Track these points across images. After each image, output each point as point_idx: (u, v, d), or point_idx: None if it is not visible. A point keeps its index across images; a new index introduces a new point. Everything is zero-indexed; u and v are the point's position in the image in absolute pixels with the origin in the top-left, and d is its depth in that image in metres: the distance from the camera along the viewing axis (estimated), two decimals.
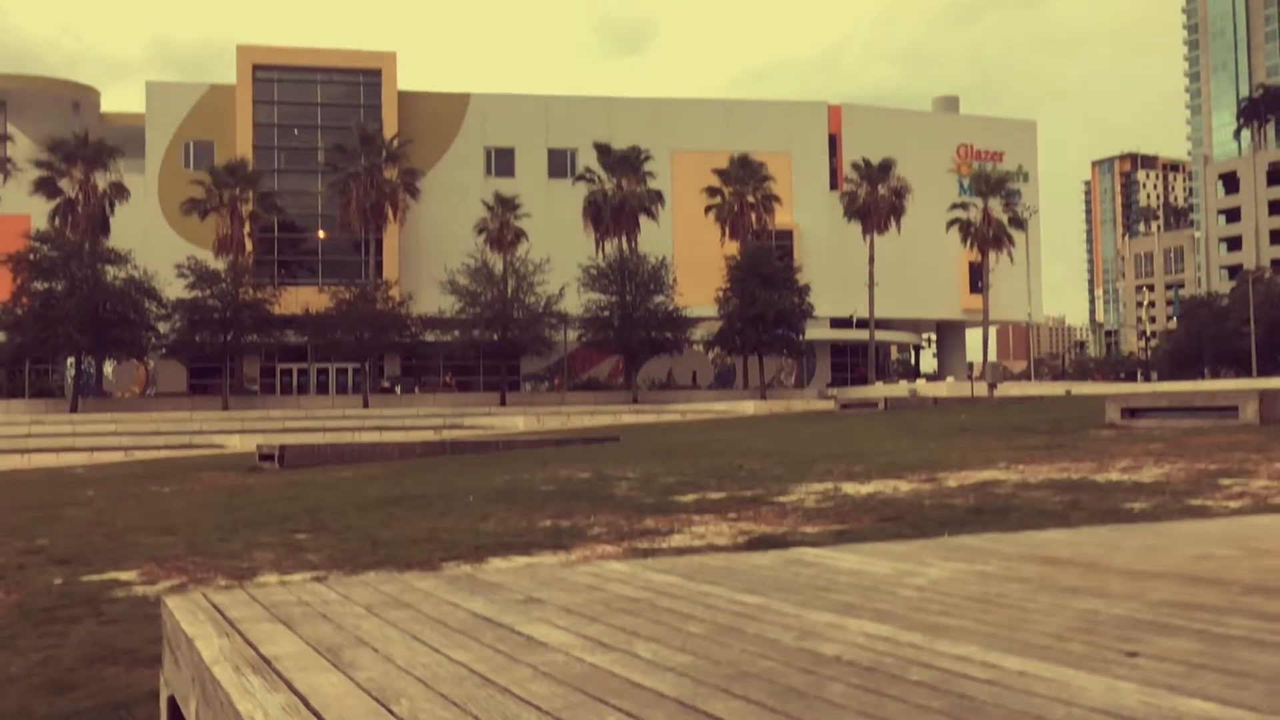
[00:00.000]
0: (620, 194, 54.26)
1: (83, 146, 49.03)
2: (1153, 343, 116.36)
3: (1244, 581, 2.94)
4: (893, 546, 4.11)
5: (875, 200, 57.40)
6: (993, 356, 64.40)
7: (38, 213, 50.18)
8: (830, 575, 3.27)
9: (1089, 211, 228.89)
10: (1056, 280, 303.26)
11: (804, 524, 7.31)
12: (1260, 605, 2.59)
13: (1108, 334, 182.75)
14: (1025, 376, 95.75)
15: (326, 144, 58.59)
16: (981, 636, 2.31)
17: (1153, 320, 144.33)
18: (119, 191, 50.54)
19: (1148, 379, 75.91)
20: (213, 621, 2.69)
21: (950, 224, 59.07)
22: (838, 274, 61.59)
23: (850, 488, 9.81)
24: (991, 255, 59.12)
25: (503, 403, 50.04)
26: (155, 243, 53.66)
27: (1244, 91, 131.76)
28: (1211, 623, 2.39)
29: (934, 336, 75.99)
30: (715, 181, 56.26)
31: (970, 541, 4.15)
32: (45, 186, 49.23)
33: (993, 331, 66.34)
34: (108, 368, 54.00)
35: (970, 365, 69.74)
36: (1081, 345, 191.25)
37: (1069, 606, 2.65)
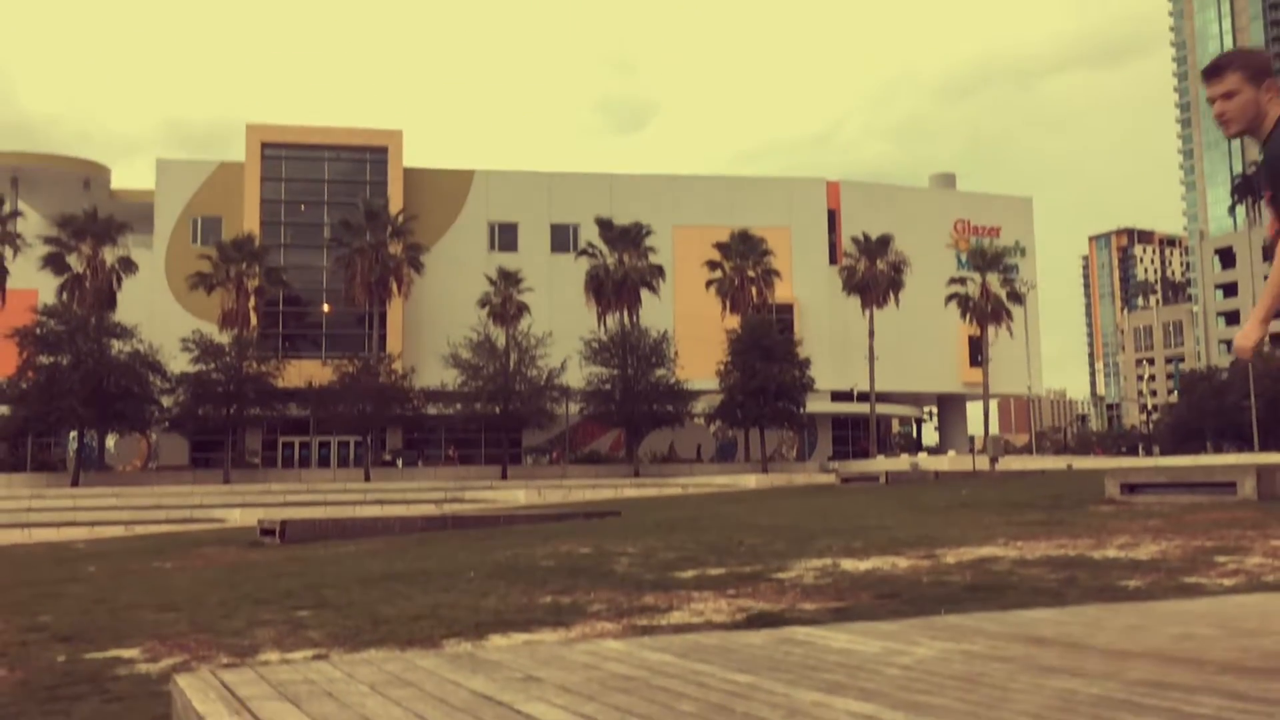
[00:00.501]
0: (622, 268, 54.84)
1: (92, 223, 49.75)
2: (1154, 416, 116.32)
3: (1220, 661, 3.04)
4: (882, 625, 4.19)
5: (874, 275, 57.98)
6: (994, 430, 64.45)
7: (46, 287, 50.73)
8: (820, 654, 3.36)
9: (1087, 285, 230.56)
10: (1057, 353, 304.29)
11: (802, 601, 7.36)
12: (1231, 684, 2.69)
13: (1109, 407, 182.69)
14: (1027, 450, 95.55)
15: (333, 219, 59.38)
16: (961, 715, 2.41)
17: (1153, 393, 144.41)
18: (127, 266, 51.15)
19: (1150, 453, 75.77)
20: (223, 700, 2.78)
21: (949, 298, 59.54)
22: (838, 347, 61.92)
23: (849, 564, 9.86)
24: (991, 329, 59.51)
25: (504, 476, 49.97)
26: (162, 316, 54.13)
27: (1237, 168, 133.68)
28: (1182, 701, 2.49)
29: (935, 410, 76.05)
30: (716, 256, 56.89)
31: (959, 621, 4.24)
32: (54, 262, 49.83)
33: (994, 404, 66.42)
34: (110, 441, 54.04)
35: (971, 439, 69.69)
36: (1083, 418, 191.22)
37: (1048, 686, 2.75)
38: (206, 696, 2.84)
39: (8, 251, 49.97)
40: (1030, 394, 73.97)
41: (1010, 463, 47.04)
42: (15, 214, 53.45)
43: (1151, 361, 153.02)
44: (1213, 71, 3.56)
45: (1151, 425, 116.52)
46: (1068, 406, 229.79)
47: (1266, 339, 3.74)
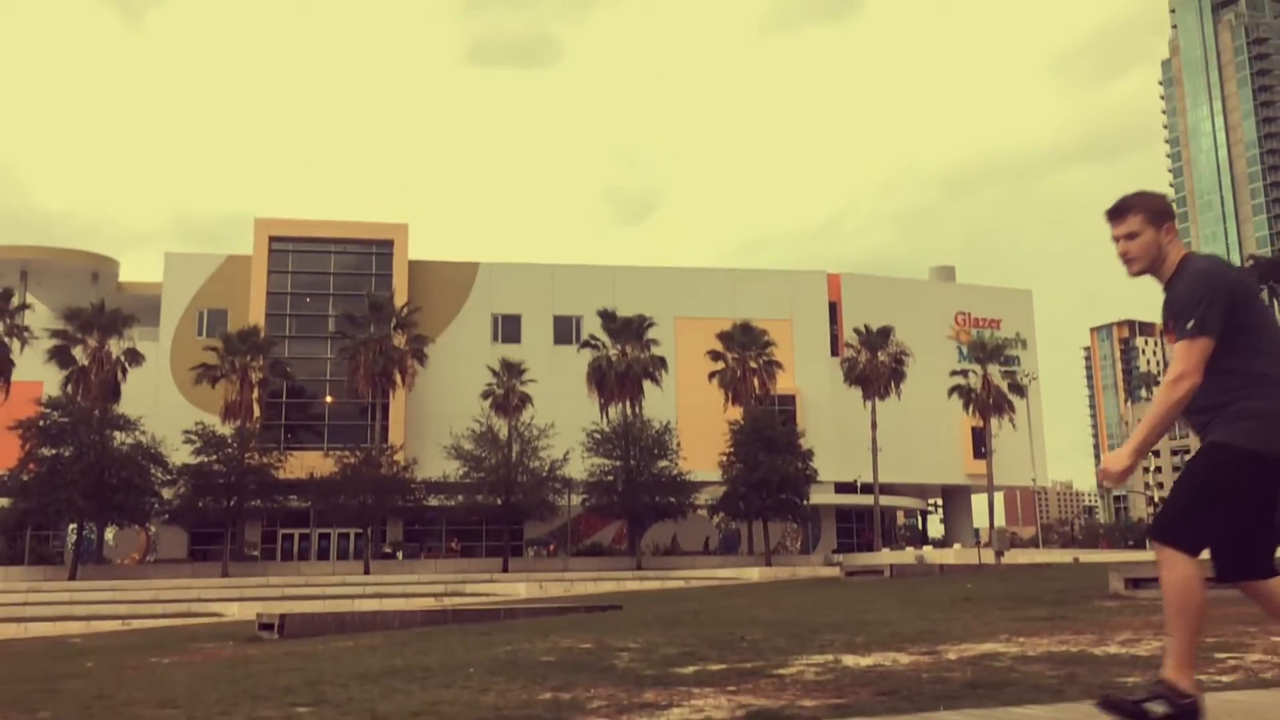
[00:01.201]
0: (624, 360, 55.16)
1: (99, 315, 50.29)
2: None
3: None
4: None
5: (875, 366, 58.28)
6: (1001, 522, 64.07)
7: (51, 379, 51.03)
8: None
9: (1090, 377, 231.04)
10: (1062, 445, 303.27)
11: (802, 698, 7.34)
12: None
13: (1116, 499, 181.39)
14: (1034, 543, 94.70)
15: (338, 311, 60.01)
16: None
17: (1159, 485, 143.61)
18: (133, 358, 51.49)
19: None
20: None
21: (951, 390, 59.73)
22: (841, 439, 61.87)
23: (850, 659, 9.80)
24: (993, 421, 59.56)
25: (505, 569, 49.53)
26: (166, 408, 54.31)
27: (1236, 261, 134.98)
28: None
29: (940, 502, 75.64)
30: (718, 347, 57.25)
31: (954, 718, 4.28)
32: (59, 355, 50.19)
33: (999, 496, 66.17)
34: (109, 534, 53.76)
35: (977, 531, 69.17)
36: (1090, 510, 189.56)
37: None
38: None
39: (15, 344, 50.36)
40: (1035, 486, 73.64)
41: (1016, 556, 46.66)
42: (24, 307, 54.07)
43: (1157, 454, 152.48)
44: (1116, 213, 3.78)
45: None
46: (1074, 498, 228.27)
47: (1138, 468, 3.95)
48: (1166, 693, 3.49)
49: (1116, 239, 3.82)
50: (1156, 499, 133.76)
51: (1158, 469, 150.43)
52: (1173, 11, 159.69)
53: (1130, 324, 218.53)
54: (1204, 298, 3.58)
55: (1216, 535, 3.56)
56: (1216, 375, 3.58)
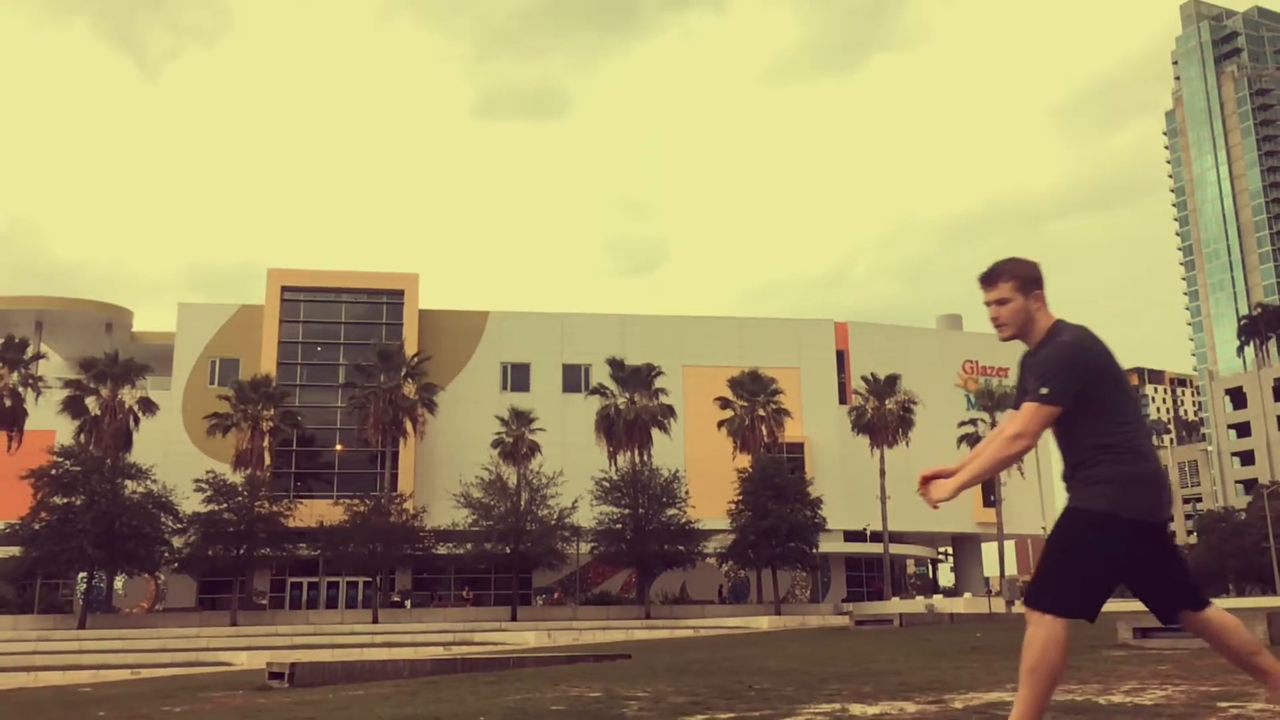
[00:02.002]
0: (633, 408, 55.33)
1: (112, 365, 50.75)
2: None
3: None
4: None
5: (883, 414, 58.34)
6: (1012, 571, 63.63)
7: (64, 428, 51.37)
8: None
9: None
10: None
11: None
12: None
13: None
14: None
15: (349, 360, 60.44)
16: None
17: (1172, 534, 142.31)
18: (147, 407, 51.86)
19: None
20: None
21: (960, 440, 59.66)
22: (849, 487, 61.77)
23: (857, 709, 9.91)
24: (1004, 471, 59.39)
25: (514, 617, 49.35)
26: (177, 456, 54.56)
27: (1243, 309, 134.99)
28: None
29: (950, 550, 75.19)
30: (727, 395, 57.39)
31: None
32: (72, 406, 50.55)
33: (1011, 545, 65.83)
34: (118, 583, 53.75)
35: (987, 580, 68.72)
36: None
37: None
38: None
39: (29, 394, 50.78)
40: (1045, 534, 73.14)
41: (1016, 604, 46.30)
42: (38, 357, 54.61)
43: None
44: (987, 279, 3.90)
45: None
46: None
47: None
48: None
49: (988, 304, 3.94)
50: None
51: (1170, 518, 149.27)
52: (1175, 63, 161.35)
53: (1139, 372, 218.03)
54: (1063, 370, 3.74)
55: (1086, 594, 3.67)
56: (1073, 441, 3.78)
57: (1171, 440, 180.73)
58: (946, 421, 60.73)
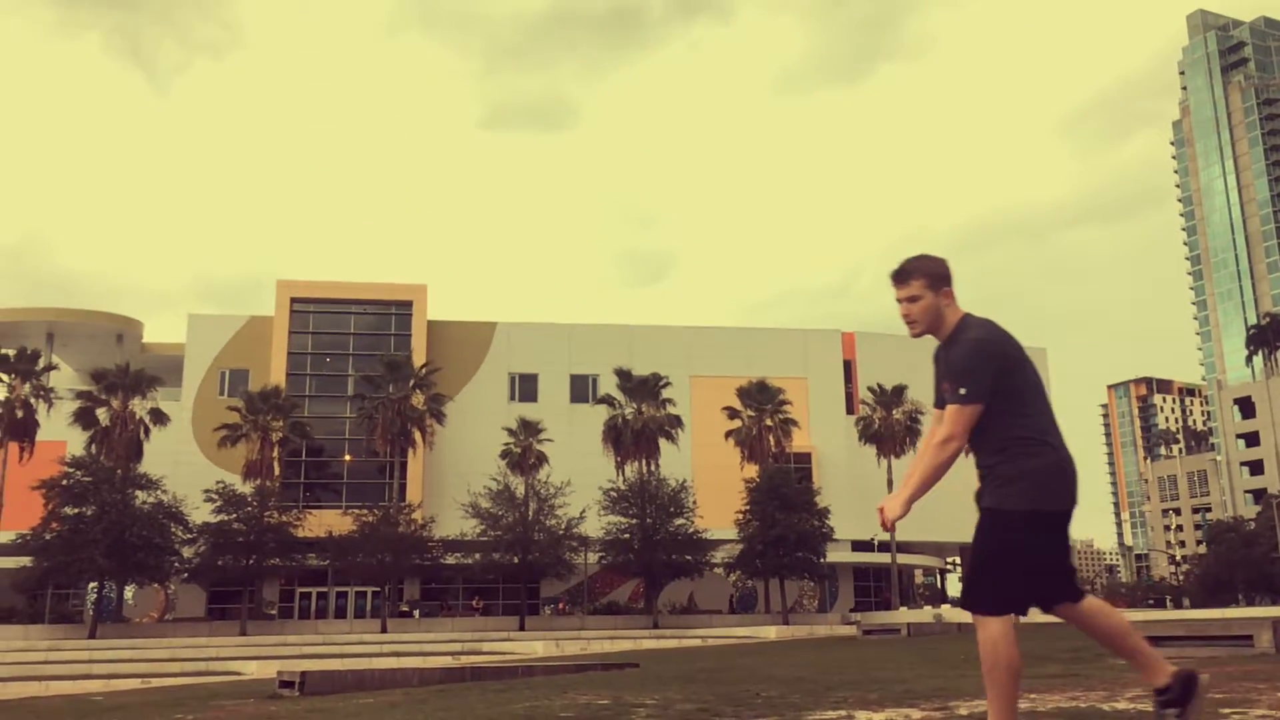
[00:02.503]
0: (640, 418, 55.44)
1: (124, 376, 51.02)
2: (1183, 568, 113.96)
3: None
4: None
5: (890, 425, 58.38)
6: None
7: (75, 439, 51.65)
8: None
9: (1108, 435, 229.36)
10: (1083, 503, 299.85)
11: None
12: None
13: (1138, 558, 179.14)
14: None
15: (358, 371, 60.70)
16: None
17: (1182, 544, 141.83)
18: (158, 418, 52.06)
19: (1179, 605, 74.13)
20: None
21: (968, 450, 59.64)
22: (857, 496, 61.74)
23: (863, 715, 10.01)
24: None
25: (522, 627, 49.42)
26: (187, 466, 54.80)
27: (1251, 319, 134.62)
28: None
29: (958, 560, 75.01)
30: (734, 404, 57.46)
31: None
32: (83, 416, 50.82)
33: None
34: (128, 592, 53.96)
35: None
36: (1111, 569, 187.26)
37: None
38: None
39: (41, 405, 51.07)
40: None
41: (1036, 614, 46.23)
42: (50, 368, 54.92)
43: (1178, 511, 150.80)
44: (899, 277, 3.96)
45: (1181, 577, 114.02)
46: (1095, 557, 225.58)
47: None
48: None
49: (900, 300, 4.01)
50: (1178, 557, 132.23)
51: (1179, 527, 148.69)
52: (1182, 73, 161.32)
53: (1148, 381, 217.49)
54: (977, 367, 3.81)
55: (1019, 590, 3.75)
56: (985, 435, 3.85)
57: (1180, 450, 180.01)
58: None
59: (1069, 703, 10.22)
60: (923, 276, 3.97)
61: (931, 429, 3.98)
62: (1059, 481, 3.84)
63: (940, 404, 4.01)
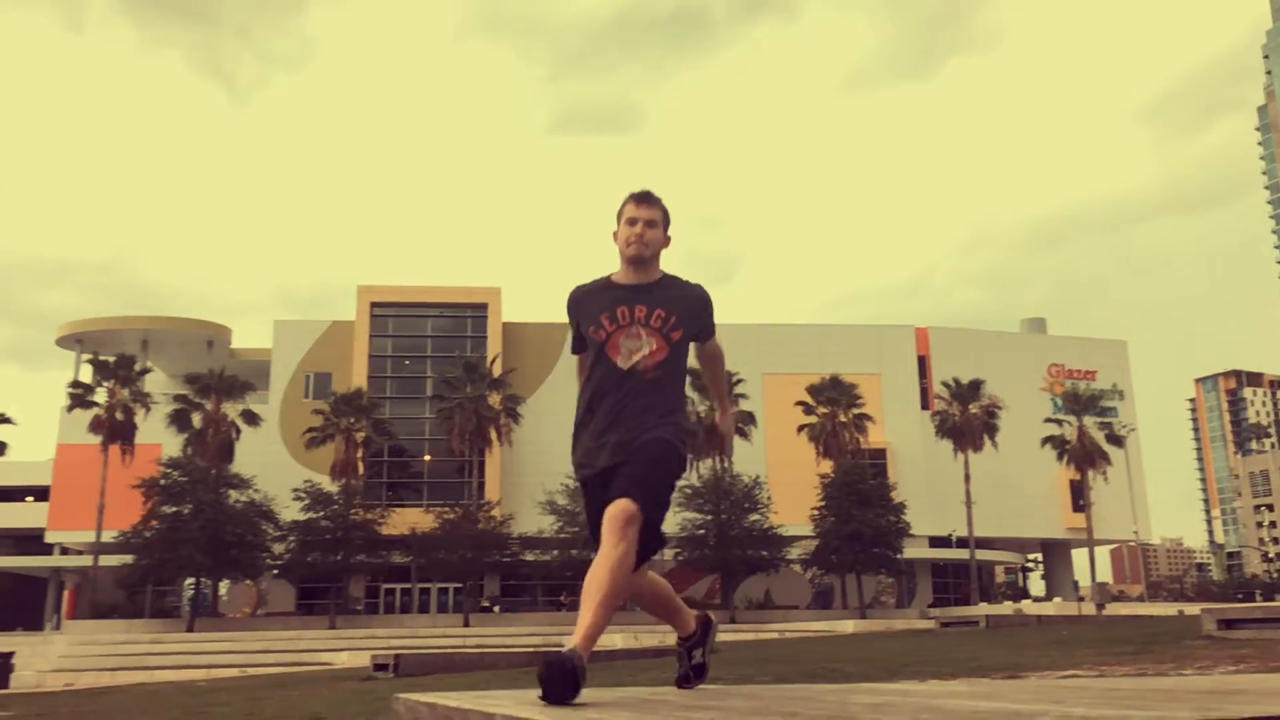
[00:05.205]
0: (713, 416, 55.68)
1: (217, 380, 53.01)
2: (1277, 565, 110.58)
3: None
4: None
5: (967, 419, 57.89)
6: (1106, 578, 62.53)
7: (170, 441, 53.78)
8: None
9: (1196, 430, 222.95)
10: (1168, 499, 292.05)
11: None
12: None
13: (1229, 555, 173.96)
14: (1142, 600, 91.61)
15: (436, 372, 62.06)
16: None
17: (1275, 540, 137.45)
18: (250, 419, 53.86)
19: (1270, 600, 72.10)
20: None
21: (1044, 440, 58.93)
22: (934, 493, 61.38)
23: (936, 682, 10.38)
24: (1092, 474, 58.50)
25: None
26: (275, 467, 56.63)
27: None
28: None
29: (1040, 558, 74.02)
30: (808, 401, 57.48)
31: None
32: (178, 419, 52.85)
33: (1105, 553, 64.83)
34: (222, 588, 55.96)
35: (1076, 584, 67.52)
36: (1201, 567, 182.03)
37: None
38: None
39: (139, 409, 53.27)
40: (1138, 540, 71.66)
41: (1117, 609, 45.67)
42: (145, 371, 57.20)
43: (1271, 508, 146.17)
44: (645, 198, 3.88)
45: (1275, 574, 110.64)
46: (1185, 555, 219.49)
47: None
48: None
49: (639, 220, 3.85)
50: (1272, 554, 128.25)
51: (1273, 524, 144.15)
52: (1266, 57, 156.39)
53: (1237, 374, 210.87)
54: (709, 315, 3.98)
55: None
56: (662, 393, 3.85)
57: (1272, 444, 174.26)
58: (1033, 426, 59.98)
59: (1137, 673, 10.51)
60: (663, 211, 3.91)
61: (651, 350, 3.79)
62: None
63: (621, 330, 3.82)
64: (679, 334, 3.84)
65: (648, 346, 3.78)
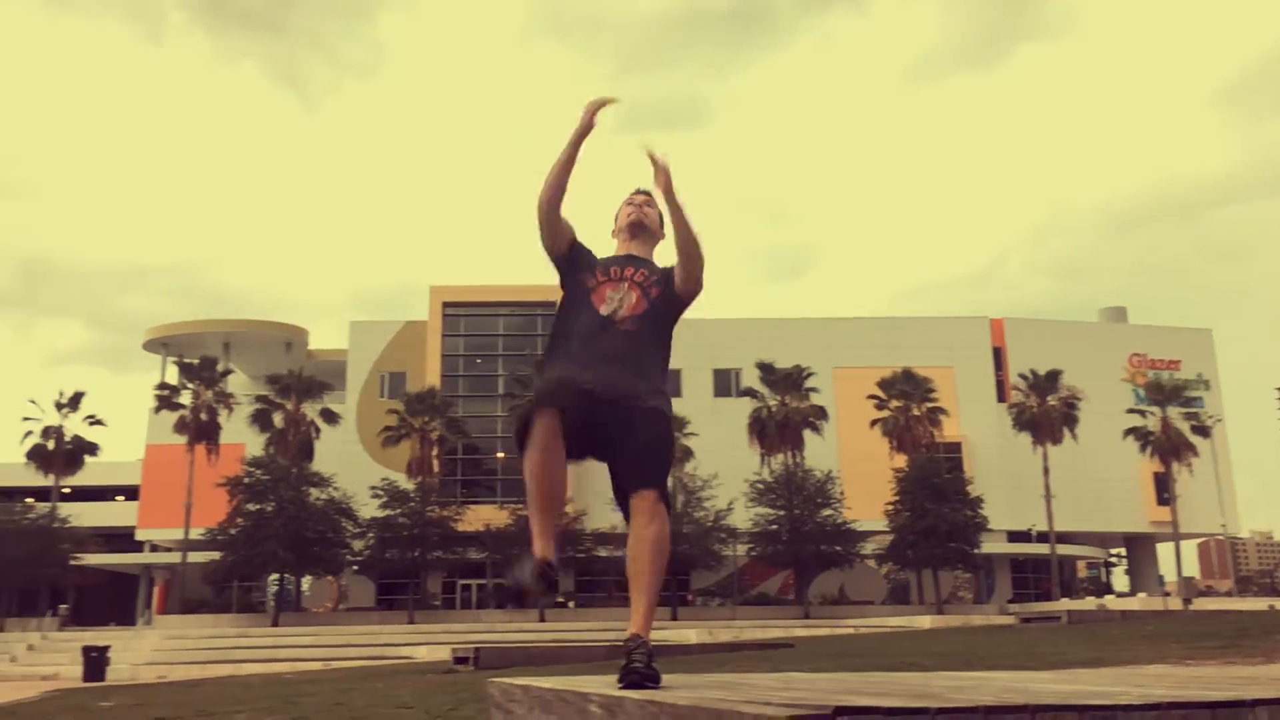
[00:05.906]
0: (783, 410, 55.58)
1: (297, 381, 54.32)
2: None
3: None
4: None
5: (1045, 411, 56.81)
6: (1193, 573, 60.95)
7: (251, 440, 55.25)
8: None
9: None
10: (1259, 492, 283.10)
11: None
12: None
13: None
14: (1231, 595, 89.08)
15: (507, 371, 62.77)
16: None
17: None
18: (330, 419, 55.05)
19: None
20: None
21: (1127, 432, 57.59)
22: (1011, 486, 60.34)
23: (1023, 672, 10.31)
24: (1176, 466, 57.02)
25: (674, 617, 50.32)
26: (353, 465, 57.79)
27: None
28: None
29: (1124, 552, 72.38)
30: (879, 395, 56.93)
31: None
32: (260, 419, 54.23)
33: (1191, 547, 63.15)
34: (305, 584, 57.34)
35: (1162, 579, 65.89)
36: None
37: None
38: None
39: (222, 410, 54.80)
40: (1226, 534, 69.69)
41: (1205, 604, 44.47)
42: (227, 372, 58.79)
43: None
44: (646, 191, 4.14)
45: None
46: (1275, 549, 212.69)
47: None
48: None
49: (638, 204, 4.16)
50: None
51: None
52: None
53: None
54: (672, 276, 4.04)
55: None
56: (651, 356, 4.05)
57: None
58: (1114, 418, 58.65)
59: (1225, 667, 10.30)
60: (659, 212, 4.17)
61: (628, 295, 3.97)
62: None
63: (610, 283, 4.01)
64: (656, 291, 3.99)
65: (628, 300, 3.96)
